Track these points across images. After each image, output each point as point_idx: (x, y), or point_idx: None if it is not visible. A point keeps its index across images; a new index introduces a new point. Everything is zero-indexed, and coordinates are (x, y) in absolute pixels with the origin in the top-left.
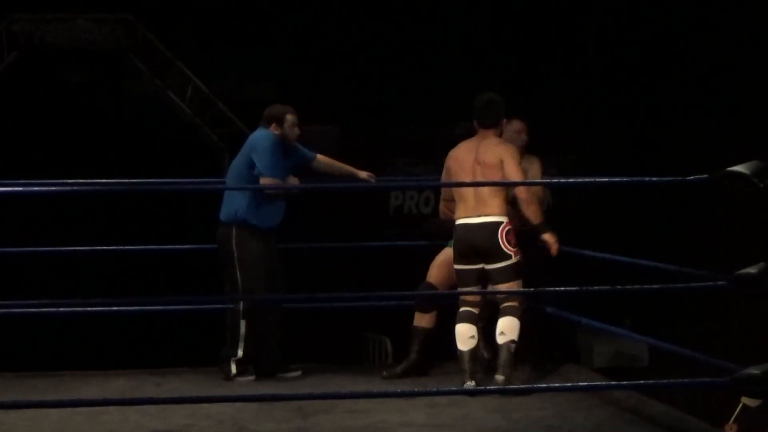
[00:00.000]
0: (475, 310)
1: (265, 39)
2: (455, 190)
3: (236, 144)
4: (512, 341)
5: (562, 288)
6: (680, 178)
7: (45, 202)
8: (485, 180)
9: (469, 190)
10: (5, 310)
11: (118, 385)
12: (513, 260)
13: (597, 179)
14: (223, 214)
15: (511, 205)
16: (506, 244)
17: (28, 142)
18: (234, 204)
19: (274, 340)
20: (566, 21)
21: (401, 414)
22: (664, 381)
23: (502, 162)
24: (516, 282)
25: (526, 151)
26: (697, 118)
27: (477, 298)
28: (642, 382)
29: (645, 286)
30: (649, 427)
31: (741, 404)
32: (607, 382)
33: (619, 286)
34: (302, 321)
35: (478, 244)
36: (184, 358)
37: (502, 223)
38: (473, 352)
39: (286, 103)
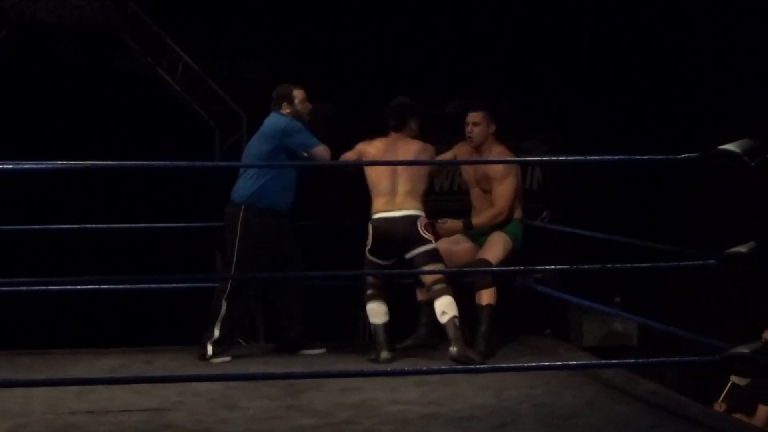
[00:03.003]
0: (383, 293)
1: (256, 16)
2: (373, 186)
3: (227, 122)
4: (455, 317)
5: (553, 266)
6: (671, 156)
7: (36, 180)
8: (404, 179)
9: (390, 187)
10: None
11: (108, 363)
12: (432, 245)
13: (588, 157)
14: (235, 194)
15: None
16: (424, 231)
17: (18, 120)
18: (246, 186)
19: (294, 318)
20: None
21: (392, 392)
22: (654, 359)
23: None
24: (437, 265)
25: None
26: (689, 96)
27: (383, 281)
28: (632, 360)
29: (635, 265)
30: (639, 405)
31: (730, 383)
32: (597, 361)
33: (609, 265)
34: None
35: (398, 233)
36: (175, 337)
37: (420, 216)
38: (387, 325)
39: (278, 80)
